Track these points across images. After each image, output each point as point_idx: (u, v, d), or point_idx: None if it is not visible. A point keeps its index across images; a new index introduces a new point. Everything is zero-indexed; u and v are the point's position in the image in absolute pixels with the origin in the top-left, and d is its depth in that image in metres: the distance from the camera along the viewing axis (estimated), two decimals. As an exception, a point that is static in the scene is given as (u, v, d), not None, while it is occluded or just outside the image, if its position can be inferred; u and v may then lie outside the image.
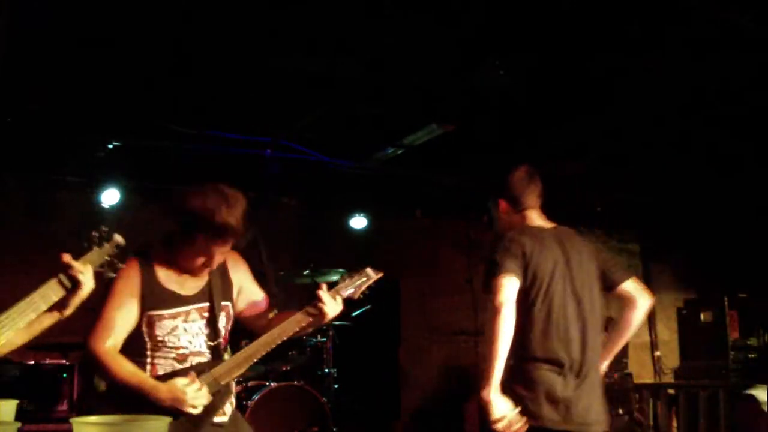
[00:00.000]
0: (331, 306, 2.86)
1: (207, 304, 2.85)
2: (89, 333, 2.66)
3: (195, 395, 2.65)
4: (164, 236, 2.87)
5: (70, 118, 5.49)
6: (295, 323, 2.86)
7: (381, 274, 3.05)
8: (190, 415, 2.65)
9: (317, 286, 2.88)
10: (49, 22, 4.10)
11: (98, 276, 2.31)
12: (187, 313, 2.81)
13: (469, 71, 4.72)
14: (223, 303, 2.91)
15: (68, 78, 4.86)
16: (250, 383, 5.23)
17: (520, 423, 2.85)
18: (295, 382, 5.30)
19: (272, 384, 5.17)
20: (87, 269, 2.23)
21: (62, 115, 5.44)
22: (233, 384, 2.88)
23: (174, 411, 2.59)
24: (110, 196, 6.24)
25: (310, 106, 5.42)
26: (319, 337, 5.81)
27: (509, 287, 2.91)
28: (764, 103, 5.12)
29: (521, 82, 4.80)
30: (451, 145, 5.99)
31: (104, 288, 2.62)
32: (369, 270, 3.04)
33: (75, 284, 2.20)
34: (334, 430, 5.30)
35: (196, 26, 4.22)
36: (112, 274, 2.39)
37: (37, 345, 5.18)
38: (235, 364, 2.79)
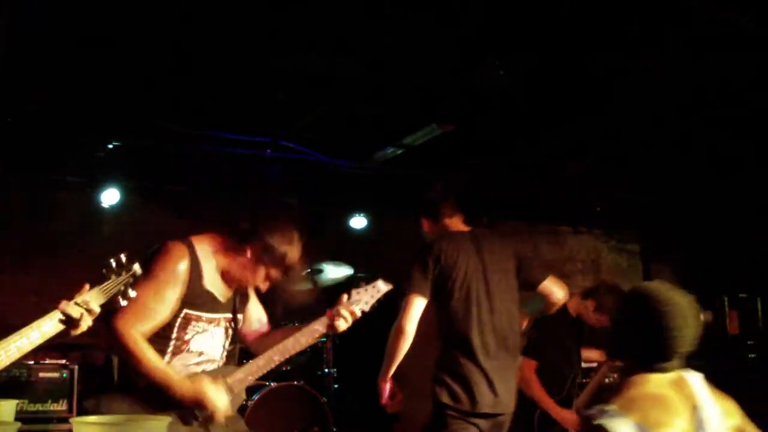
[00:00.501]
0: (348, 321, 2.95)
1: (231, 315, 2.86)
2: (119, 314, 2.50)
3: (217, 396, 2.65)
4: (213, 236, 2.82)
5: (70, 118, 5.49)
6: (309, 334, 2.92)
7: (391, 286, 3.08)
8: (206, 419, 2.65)
9: (327, 292, 2.94)
10: (49, 22, 4.10)
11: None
12: (218, 320, 2.81)
13: (469, 71, 4.72)
14: (239, 315, 2.94)
15: (68, 78, 4.85)
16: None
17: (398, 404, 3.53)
18: (295, 382, 5.30)
19: (272, 384, 5.16)
20: (96, 305, 2.17)
21: (62, 115, 5.43)
22: (243, 392, 2.88)
23: (194, 407, 2.61)
24: (110, 196, 6.24)
25: (310, 106, 5.41)
26: (319, 337, 5.80)
27: (416, 307, 3.37)
28: (764, 103, 5.12)
29: (521, 82, 4.79)
30: (451, 145, 5.99)
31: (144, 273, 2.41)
32: (380, 282, 3.05)
33: (79, 321, 2.13)
34: (334, 430, 5.30)
35: (196, 26, 4.22)
36: (124, 303, 2.29)
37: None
38: (248, 373, 2.81)
